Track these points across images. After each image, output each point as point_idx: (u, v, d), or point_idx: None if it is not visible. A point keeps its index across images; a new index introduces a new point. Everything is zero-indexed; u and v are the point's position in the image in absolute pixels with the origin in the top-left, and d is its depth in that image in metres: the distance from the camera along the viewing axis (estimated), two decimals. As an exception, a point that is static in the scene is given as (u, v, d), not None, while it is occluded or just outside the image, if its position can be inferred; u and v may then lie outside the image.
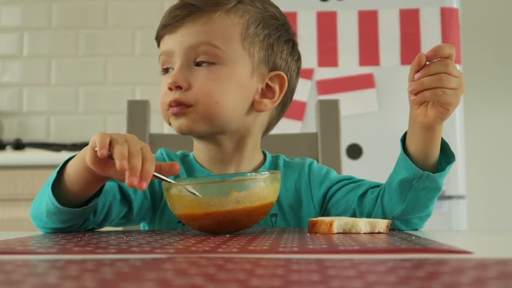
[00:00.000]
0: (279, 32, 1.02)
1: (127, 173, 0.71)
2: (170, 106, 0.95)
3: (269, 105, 1.00)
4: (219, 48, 0.95)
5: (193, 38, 0.95)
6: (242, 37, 0.97)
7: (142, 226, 1.06)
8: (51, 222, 0.85)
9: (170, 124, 0.98)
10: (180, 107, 0.95)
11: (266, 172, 0.81)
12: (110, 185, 0.92)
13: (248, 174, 0.89)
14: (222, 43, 0.96)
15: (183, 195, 0.77)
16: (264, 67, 1.00)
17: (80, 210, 0.83)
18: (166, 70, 0.99)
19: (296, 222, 1.01)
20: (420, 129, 0.86)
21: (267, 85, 1.00)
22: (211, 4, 0.97)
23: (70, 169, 0.82)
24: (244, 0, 1.00)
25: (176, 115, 0.95)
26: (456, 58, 0.83)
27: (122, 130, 1.31)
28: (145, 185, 0.71)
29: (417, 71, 0.82)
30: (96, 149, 0.74)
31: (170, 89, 0.95)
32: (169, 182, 0.78)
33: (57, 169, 0.84)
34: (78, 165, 0.80)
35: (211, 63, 0.95)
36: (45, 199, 0.83)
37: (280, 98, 1.01)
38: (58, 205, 0.81)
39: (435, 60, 0.82)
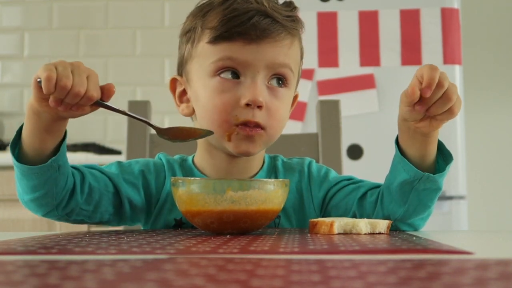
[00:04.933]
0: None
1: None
2: (243, 124, 0.87)
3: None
4: (293, 73, 0.93)
5: (279, 57, 0.89)
6: (300, 63, 0.97)
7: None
8: (24, 192, 0.85)
9: (229, 140, 0.88)
10: (256, 129, 0.88)
11: (271, 180, 0.80)
12: (101, 177, 0.91)
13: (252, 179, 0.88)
14: (295, 69, 0.94)
15: (184, 191, 0.77)
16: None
17: (36, 168, 0.80)
18: (227, 75, 0.88)
19: (299, 224, 0.99)
20: (418, 135, 0.85)
21: None
22: (292, 26, 0.91)
23: (25, 122, 0.81)
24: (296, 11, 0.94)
25: (249, 137, 0.88)
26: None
27: (123, 131, 1.31)
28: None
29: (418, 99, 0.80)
30: (38, 80, 0.75)
31: (248, 105, 0.87)
32: (114, 109, 0.81)
33: (18, 128, 0.83)
34: (28, 111, 0.79)
35: (282, 86, 0.92)
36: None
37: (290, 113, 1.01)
38: (16, 162, 0.81)
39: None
